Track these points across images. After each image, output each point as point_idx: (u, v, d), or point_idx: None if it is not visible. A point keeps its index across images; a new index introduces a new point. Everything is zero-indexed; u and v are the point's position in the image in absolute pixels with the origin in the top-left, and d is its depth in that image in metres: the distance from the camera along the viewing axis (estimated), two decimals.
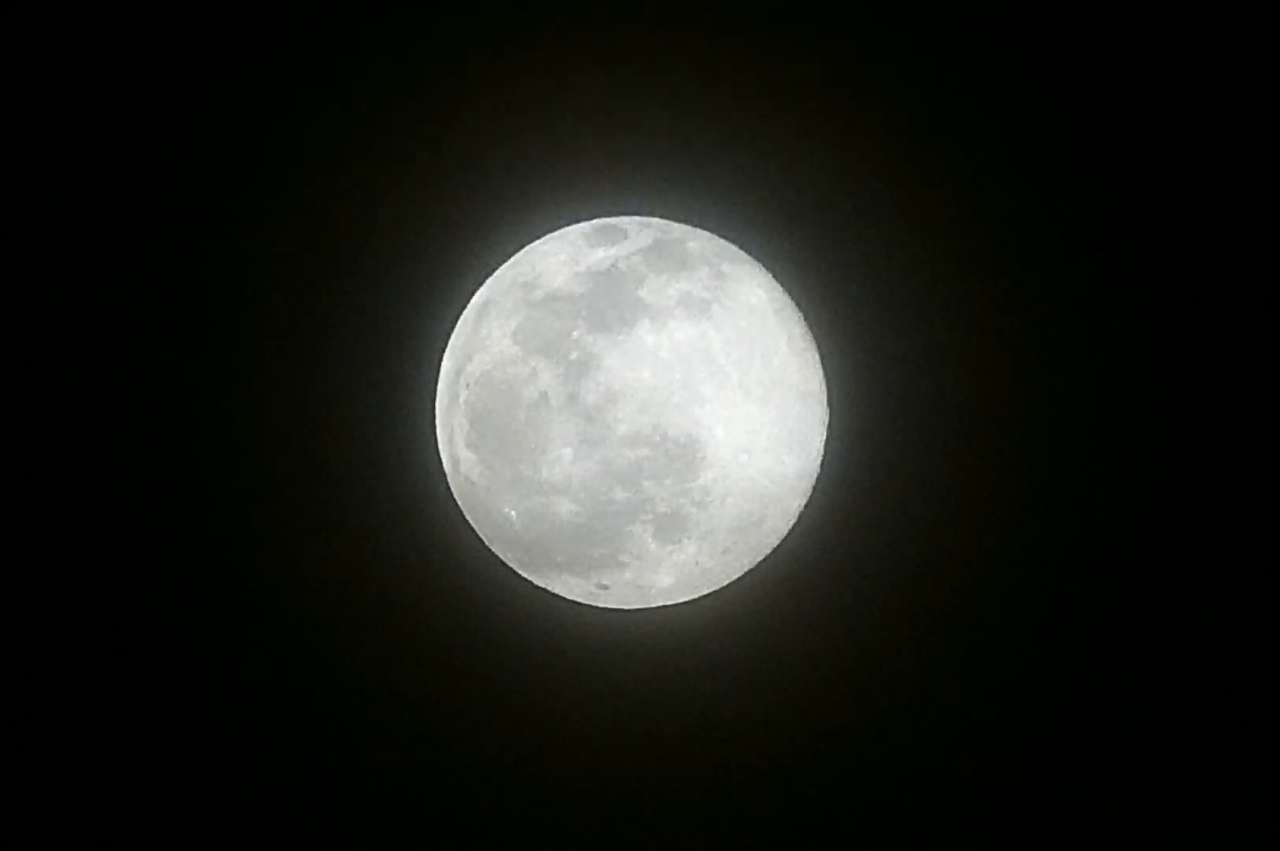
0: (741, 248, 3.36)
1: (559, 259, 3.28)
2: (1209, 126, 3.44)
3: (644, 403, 3.06)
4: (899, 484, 3.49)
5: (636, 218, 3.39)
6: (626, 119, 3.47)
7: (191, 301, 3.46)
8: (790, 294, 3.37)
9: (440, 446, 3.41)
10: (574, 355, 3.11)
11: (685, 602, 3.43)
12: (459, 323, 3.41)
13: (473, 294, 3.41)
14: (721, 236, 3.37)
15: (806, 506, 3.40)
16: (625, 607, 3.41)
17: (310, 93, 3.43)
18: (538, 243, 3.40)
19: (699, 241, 3.33)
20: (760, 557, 3.42)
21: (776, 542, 3.42)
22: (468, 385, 3.25)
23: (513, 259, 3.41)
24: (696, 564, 3.25)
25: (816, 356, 3.38)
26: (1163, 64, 3.43)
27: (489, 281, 3.41)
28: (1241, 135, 3.44)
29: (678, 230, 3.36)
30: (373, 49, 3.43)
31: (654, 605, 3.40)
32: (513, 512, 3.22)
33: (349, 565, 3.51)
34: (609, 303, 3.14)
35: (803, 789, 3.53)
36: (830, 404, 3.38)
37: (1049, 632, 3.48)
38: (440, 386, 3.41)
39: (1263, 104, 3.41)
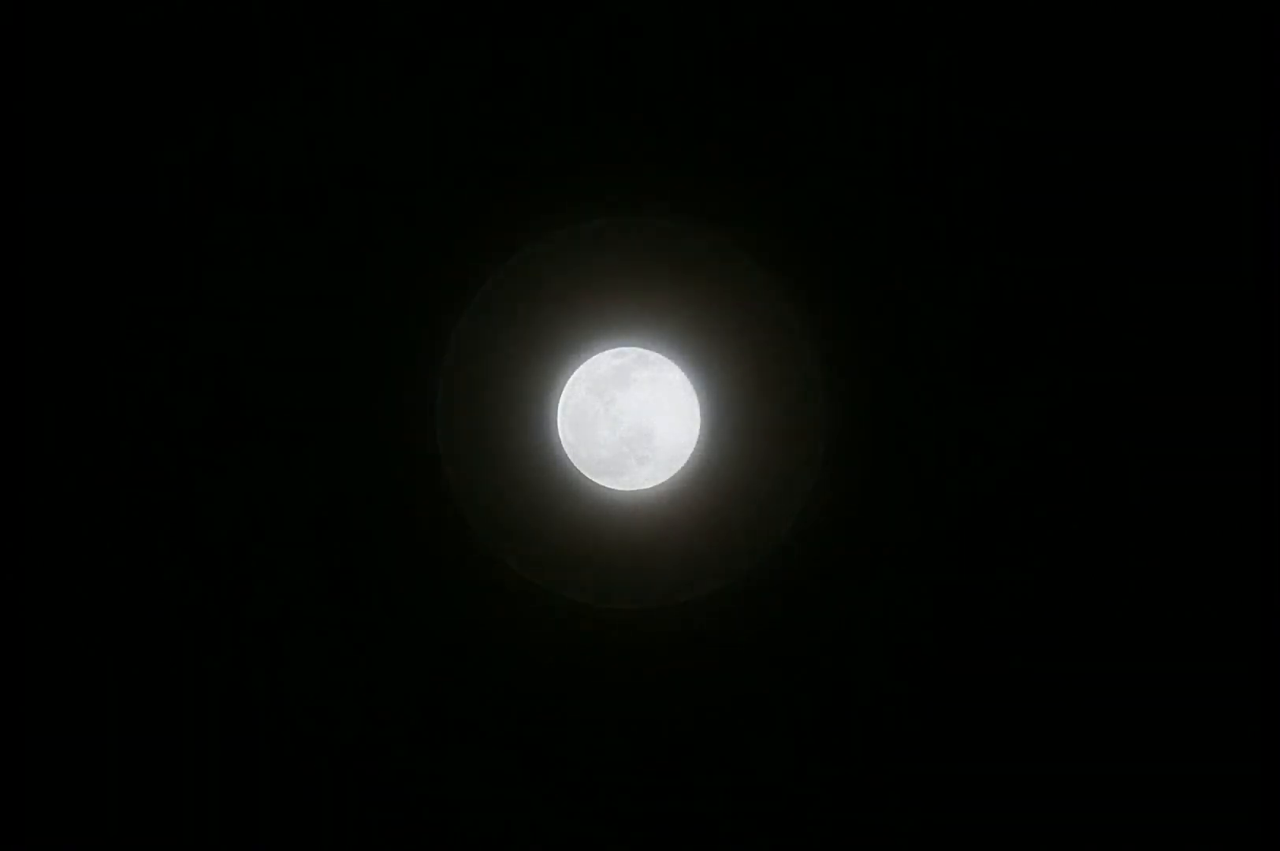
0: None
1: None
2: (1210, 126, 3.44)
3: (644, 403, 3.08)
4: (899, 484, 3.49)
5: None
6: (626, 118, 3.47)
7: (192, 301, 3.47)
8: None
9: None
10: None
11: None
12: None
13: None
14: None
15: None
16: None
17: (310, 92, 3.43)
18: None
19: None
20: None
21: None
22: None
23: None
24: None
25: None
26: (1163, 63, 3.43)
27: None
28: (1242, 135, 3.44)
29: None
30: (373, 48, 3.43)
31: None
32: None
33: (348, 565, 3.51)
34: None
35: (802, 789, 3.53)
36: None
37: (1049, 634, 3.48)
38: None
39: (1264, 104, 3.42)
